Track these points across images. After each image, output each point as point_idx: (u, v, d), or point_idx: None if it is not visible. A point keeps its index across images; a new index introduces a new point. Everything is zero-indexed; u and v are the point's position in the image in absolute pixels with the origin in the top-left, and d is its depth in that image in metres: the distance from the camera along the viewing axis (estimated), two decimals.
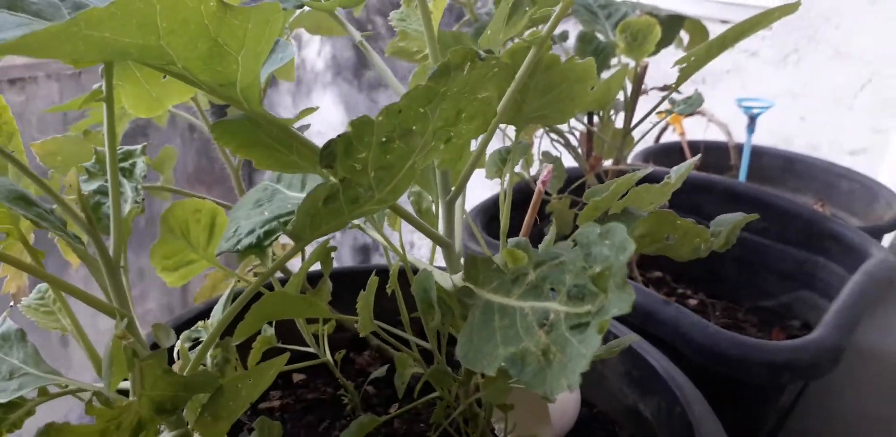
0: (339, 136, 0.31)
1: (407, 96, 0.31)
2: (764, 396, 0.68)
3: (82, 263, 0.36)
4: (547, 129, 0.87)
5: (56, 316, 0.40)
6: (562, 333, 0.29)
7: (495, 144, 0.49)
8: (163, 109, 0.45)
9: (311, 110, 0.36)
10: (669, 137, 1.32)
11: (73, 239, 0.32)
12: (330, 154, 0.32)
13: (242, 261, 0.54)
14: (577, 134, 0.90)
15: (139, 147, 0.44)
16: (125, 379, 0.34)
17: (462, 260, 0.43)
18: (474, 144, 0.41)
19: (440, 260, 0.46)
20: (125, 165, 0.43)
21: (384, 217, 0.48)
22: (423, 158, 0.35)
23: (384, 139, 0.32)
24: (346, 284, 0.53)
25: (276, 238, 0.50)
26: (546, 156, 0.75)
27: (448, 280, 0.43)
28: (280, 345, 0.54)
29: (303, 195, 0.50)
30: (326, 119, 2.38)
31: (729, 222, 0.41)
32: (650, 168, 0.44)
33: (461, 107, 0.34)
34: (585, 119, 0.83)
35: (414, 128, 0.32)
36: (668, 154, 1.25)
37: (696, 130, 1.32)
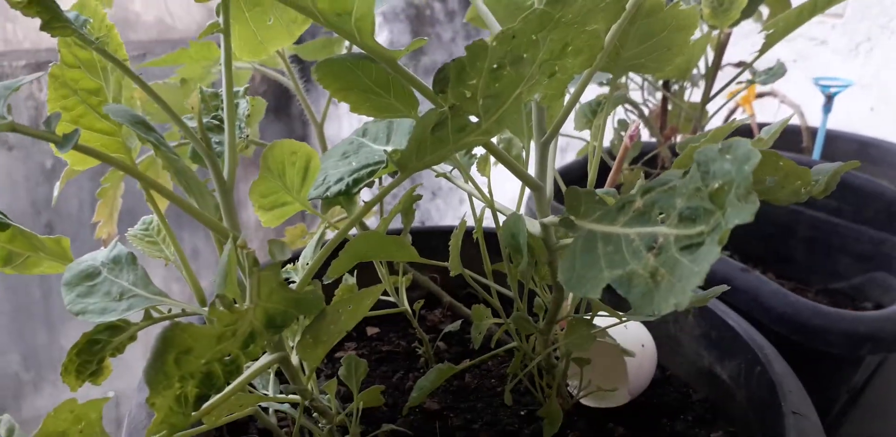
0: (453, 60, 0.32)
1: (522, 20, 0.31)
2: (839, 370, 0.66)
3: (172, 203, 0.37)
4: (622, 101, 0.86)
5: (160, 246, 0.42)
6: (671, 254, 0.29)
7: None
8: (266, 54, 0.46)
9: (422, 41, 0.36)
10: (739, 118, 1.29)
11: (193, 158, 0.33)
12: (443, 79, 0.32)
13: (329, 210, 0.55)
14: (651, 106, 0.89)
15: (242, 89, 0.45)
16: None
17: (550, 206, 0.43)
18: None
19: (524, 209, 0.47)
20: (232, 106, 0.44)
21: (472, 164, 0.48)
22: (528, 89, 0.35)
23: (495, 66, 0.32)
24: (419, 243, 0.54)
25: (364, 187, 0.51)
26: (621, 124, 0.74)
27: (536, 226, 0.43)
28: None
29: (389, 148, 0.51)
30: None
31: (829, 169, 0.40)
32: (747, 120, 0.43)
33: (569, 39, 0.34)
34: (662, 87, 0.82)
35: (525, 55, 0.33)
36: (737, 136, 1.22)
37: (766, 113, 1.29)
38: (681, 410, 0.55)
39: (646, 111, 0.86)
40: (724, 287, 0.45)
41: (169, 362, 0.28)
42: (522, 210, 0.47)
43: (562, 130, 0.57)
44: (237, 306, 0.30)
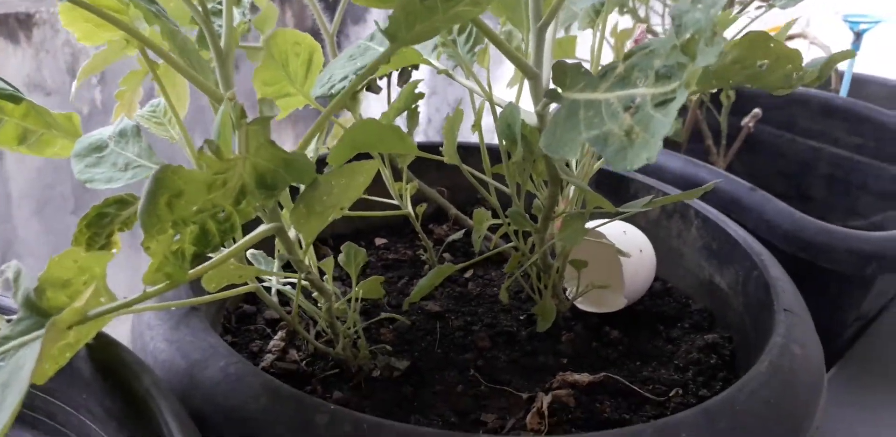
0: None
1: None
2: (848, 293, 0.66)
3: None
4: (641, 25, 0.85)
5: (166, 127, 0.44)
6: (646, 112, 0.29)
7: None
8: None
9: None
10: None
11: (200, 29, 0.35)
12: None
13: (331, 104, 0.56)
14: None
15: None
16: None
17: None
18: None
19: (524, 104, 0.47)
20: None
21: (473, 59, 0.49)
22: None
23: None
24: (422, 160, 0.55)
25: (366, 85, 0.51)
26: (634, 14, 0.73)
27: (534, 117, 0.44)
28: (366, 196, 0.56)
29: None
30: None
31: (823, 60, 0.40)
32: None
33: None
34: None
35: None
36: None
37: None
38: (678, 318, 0.56)
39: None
40: (711, 185, 0.45)
41: (161, 205, 0.30)
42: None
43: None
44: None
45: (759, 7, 0.78)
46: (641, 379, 0.47)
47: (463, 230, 0.62)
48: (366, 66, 0.49)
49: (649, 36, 0.81)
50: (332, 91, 0.48)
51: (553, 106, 0.42)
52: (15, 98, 0.40)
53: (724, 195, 0.65)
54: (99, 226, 0.41)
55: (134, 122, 0.40)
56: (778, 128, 0.96)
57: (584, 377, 0.47)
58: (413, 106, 0.51)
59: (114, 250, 0.39)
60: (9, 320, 0.32)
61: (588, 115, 0.32)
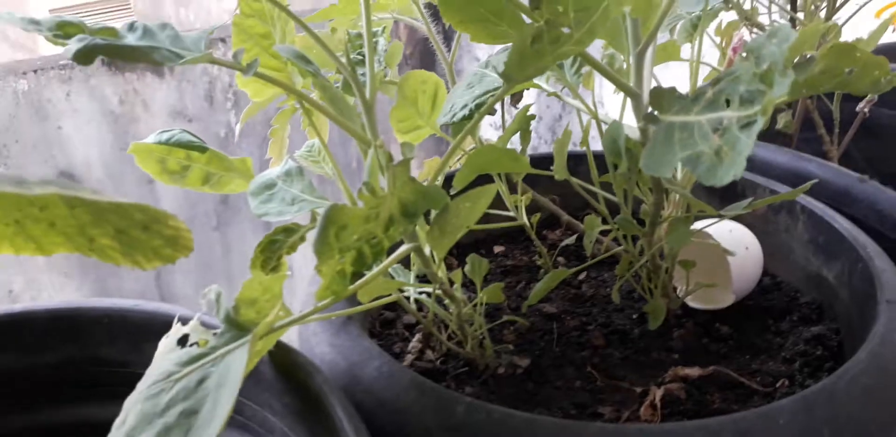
0: None
1: None
2: None
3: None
4: (747, 23, 0.87)
5: (320, 164, 0.51)
6: (733, 133, 0.34)
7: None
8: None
9: None
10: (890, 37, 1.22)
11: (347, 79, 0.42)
12: None
13: (456, 135, 0.63)
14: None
15: (380, 29, 0.53)
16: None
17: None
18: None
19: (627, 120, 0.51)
20: (371, 42, 0.52)
21: (579, 81, 0.54)
22: (616, 2, 0.40)
23: None
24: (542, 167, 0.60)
25: (489, 108, 0.58)
26: (739, 9, 0.75)
27: (636, 132, 0.48)
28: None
29: None
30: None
31: None
32: None
33: None
34: (788, 7, 0.82)
35: None
36: (885, 54, 1.17)
37: None
38: (787, 311, 0.58)
39: None
40: (812, 182, 0.48)
41: (330, 236, 0.37)
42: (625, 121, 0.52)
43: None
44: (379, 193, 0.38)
45: None
46: (750, 372, 0.51)
47: (575, 235, 0.66)
48: (484, 93, 0.56)
49: (752, 35, 0.82)
50: (455, 119, 0.55)
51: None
52: (201, 148, 0.48)
53: (834, 188, 0.66)
54: (271, 251, 0.50)
55: (297, 164, 0.48)
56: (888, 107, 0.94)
57: (694, 371, 0.51)
58: (526, 127, 0.56)
59: (287, 272, 0.46)
60: (214, 334, 0.39)
61: (682, 136, 0.37)
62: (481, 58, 1.80)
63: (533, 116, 0.56)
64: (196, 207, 1.77)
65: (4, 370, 0.50)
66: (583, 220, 0.70)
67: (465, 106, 0.55)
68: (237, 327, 0.39)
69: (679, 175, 0.55)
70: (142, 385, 0.38)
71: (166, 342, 0.41)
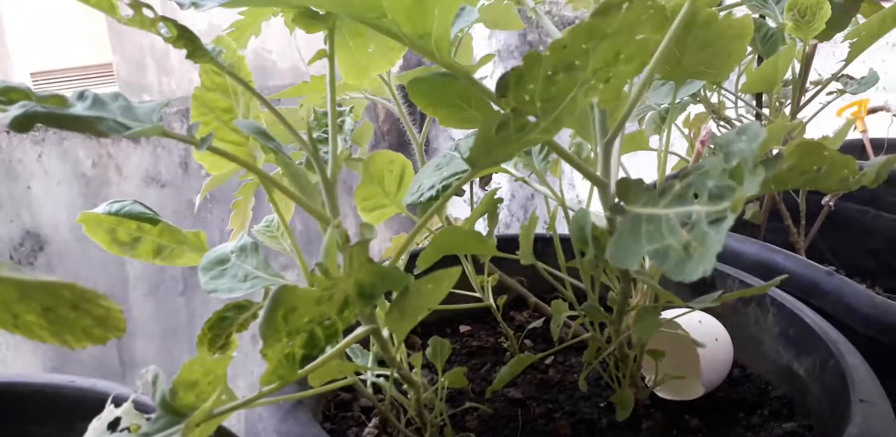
0: (512, 69, 0.37)
1: (570, 32, 0.36)
2: None
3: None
4: (714, 116, 0.89)
5: (278, 240, 0.50)
6: (702, 229, 0.33)
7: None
8: (368, 77, 0.54)
9: (490, 57, 0.42)
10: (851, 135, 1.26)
11: (306, 161, 0.41)
12: (504, 85, 0.38)
13: (423, 215, 0.62)
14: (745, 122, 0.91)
15: (347, 108, 0.52)
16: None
17: None
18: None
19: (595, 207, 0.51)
20: (336, 121, 0.52)
21: (546, 168, 0.53)
22: (583, 93, 0.40)
23: (550, 72, 0.38)
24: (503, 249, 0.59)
25: (455, 190, 0.57)
26: (706, 103, 0.77)
27: (603, 220, 0.48)
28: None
29: None
30: None
31: (881, 161, 0.42)
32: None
33: (619, 48, 0.39)
34: (754, 102, 0.84)
35: (577, 63, 0.38)
36: (848, 152, 1.20)
37: (878, 129, 1.26)
38: (758, 405, 0.56)
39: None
40: (782, 277, 0.47)
41: (278, 318, 0.35)
42: (593, 208, 0.51)
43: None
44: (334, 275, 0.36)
45: (831, 93, 0.80)
46: None
47: (543, 318, 0.65)
48: (452, 175, 0.55)
49: (720, 128, 0.84)
50: (422, 199, 0.54)
51: None
52: (153, 220, 0.47)
53: (802, 280, 0.66)
54: (220, 328, 0.47)
55: (252, 239, 0.46)
56: (861, 204, 0.96)
57: None
58: (493, 210, 0.56)
59: (233, 353, 0.44)
60: (148, 419, 0.37)
61: (649, 228, 0.36)
62: (457, 138, 1.83)
63: (500, 200, 0.55)
64: (163, 271, 1.73)
65: None
66: (551, 302, 0.68)
67: (433, 187, 0.54)
68: (173, 412, 0.36)
69: (647, 264, 0.54)
70: None
71: (96, 425, 0.38)
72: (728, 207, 0.32)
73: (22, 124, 0.30)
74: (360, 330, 0.43)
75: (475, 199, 0.65)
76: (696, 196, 0.35)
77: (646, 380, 0.57)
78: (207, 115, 0.45)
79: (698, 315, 0.57)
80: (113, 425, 0.37)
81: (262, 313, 0.35)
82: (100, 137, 0.36)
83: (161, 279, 1.93)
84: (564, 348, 0.64)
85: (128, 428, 0.36)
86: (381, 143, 1.88)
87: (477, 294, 0.61)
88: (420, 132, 0.65)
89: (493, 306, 0.60)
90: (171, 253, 0.49)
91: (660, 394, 0.57)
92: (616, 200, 0.40)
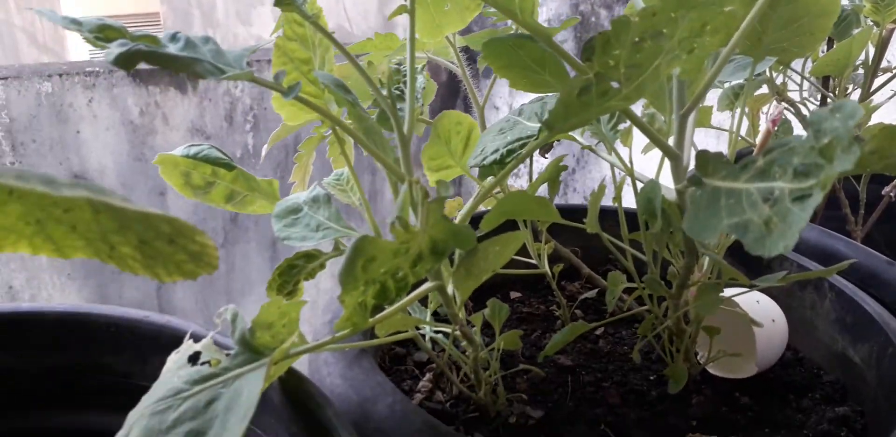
0: (599, 33, 0.37)
1: (661, 0, 0.36)
2: None
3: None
4: (777, 98, 0.87)
5: (348, 194, 0.51)
6: (784, 205, 0.33)
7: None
8: (441, 35, 0.54)
9: (574, 20, 0.42)
10: None
11: (385, 112, 0.41)
12: (590, 48, 0.38)
13: (484, 178, 0.62)
14: (810, 107, 0.89)
15: (420, 66, 0.53)
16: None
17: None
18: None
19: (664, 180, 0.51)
20: (413, 78, 0.52)
21: (615, 136, 0.53)
22: (667, 62, 0.40)
23: (637, 39, 0.38)
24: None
25: (517, 156, 0.57)
26: (771, 84, 0.75)
27: (671, 193, 0.48)
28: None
29: (537, 125, 0.57)
30: None
31: None
32: None
33: (707, 19, 0.39)
34: (821, 85, 0.82)
35: (664, 31, 0.38)
36: None
37: None
38: (809, 388, 0.57)
39: (804, 110, 0.86)
40: (849, 261, 0.47)
41: (357, 267, 0.36)
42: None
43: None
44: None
45: None
46: None
47: (596, 290, 0.65)
48: (516, 139, 0.55)
49: (787, 112, 0.82)
50: (485, 162, 0.55)
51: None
52: (229, 166, 0.48)
53: (861, 269, 0.65)
54: (289, 275, 0.49)
55: (325, 191, 0.47)
56: None
57: None
58: (556, 177, 0.56)
59: (305, 297, 0.46)
60: (227, 354, 0.39)
61: (729, 202, 0.36)
62: (500, 107, 1.81)
63: (565, 167, 0.55)
64: (205, 223, 1.77)
65: (4, 369, 0.49)
66: (603, 275, 0.69)
67: (497, 150, 0.55)
68: (251, 350, 0.38)
69: (713, 241, 0.54)
70: (148, 400, 0.37)
71: (175, 358, 0.40)
72: (815, 184, 0.32)
73: (127, 62, 0.32)
74: (426, 286, 0.44)
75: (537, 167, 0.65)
76: (779, 173, 0.35)
77: (698, 356, 0.57)
78: (287, 64, 0.46)
79: (756, 295, 0.57)
80: (193, 358, 0.39)
81: (341, 261, 0.36)
82: (196, 78, 0.37)
83: (202, 230, 1.96)
84: (615, 321, 0.65)
85: (208, 362, 0.38)
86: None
87: (533, 261, 0.61)
88: (481, 96, 0.66)
89: (549, 273, 0.61)
90: (244, 200, 0.51)
91: (711, 371, 0.57)
92: (692, 172, 0.40)
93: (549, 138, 0.42)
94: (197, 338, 0.41)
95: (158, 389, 0.37)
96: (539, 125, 0.57)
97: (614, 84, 0.39)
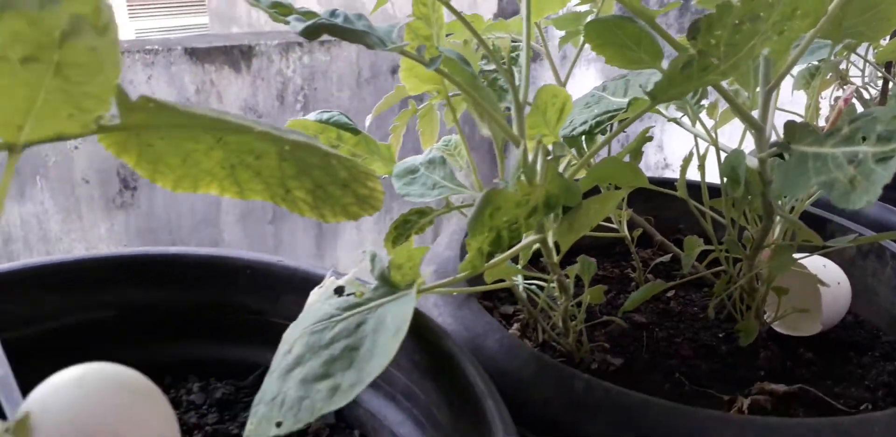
0: (703, 16, 0.42)
1: None
2: None
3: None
4: (840, 81, 0.90)
5: (455, 158, 0.57)
6: (868, 166, 0.38)
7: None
8: (542, 16, 0.59)
9: (676, 4, 0.47)
10: None
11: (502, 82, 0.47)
12: (695, 29, 0.43)
13: (574, 146, 0.68)
14: (872, 92, 0.92)
15: (520, 44, 0.58)
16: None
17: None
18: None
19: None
20: (513, 55, 0.58)
21: (699, 111, 0.58)
22: (760, 43, 0.44)
23: (737, 21, 0.42)
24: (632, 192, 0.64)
25: (604, 128, 0.62)
26: (835, 69, 0.79)
27: (754, 161, 0.53)
28: None
29: (622, 100, 0.62)
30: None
31: None
32: None
33: (798, 4, 0.44)
34: (884, 69, 0.85)
35: (761, 14, 0.42)
36: None
37: None
38: (869, 347, 0.61)
39: (866, 94, 0.90)
40: None
41: (485, 215, 0.42)
42: None
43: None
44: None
45: None
46: (833, 395, 0.54)
47: (669, 255, 0.70)
48: (603, 112, 0.61)
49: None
50: (574, 133, 0.60)
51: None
52: (355, 130, 0.54)
53: None
54: (403, 229, 0.55)
55: (440, 154, 0.53)
56: None
57: (780, 387, 0.54)
58: (639, 147, 0.61)
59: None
60: (369, 288, 0.45)
61: (816, 164, 0.41)
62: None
63: (651, 138, 0.61)
64: (254, 201, 1.83)
65: (154, 303, 0.56)
66: (674, 242, 0.74)
67: (585, 122, 0.60)
68: (389, 284, 0.44)
69: (788, 206, 0.58)
70: (303, 324, 0.43)
71: (319, 292, 0.47)
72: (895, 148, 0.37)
73: (313, 33, 0.38)
74: (530, 238, 0.50)
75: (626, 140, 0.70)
76: (863, 139, 0.40)
77: (765, 315, 0.62)
78: (414, 41, 0.52)
79: (823, 260, 0.62)
80: (338, 291, 0.45)
81: (471, 210, 0.42)
82: (369, 48, 0.43)
83: (252, 207, 2.05)
84: (684, 285, 0.70)
85: (353, 294, 0.45)
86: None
87: (613, 225, 0.67)
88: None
89: (628, 237, 0.66)
90: (363, 162, 0.57)
91: (777, 329, 0.62)
92: (774, 142, 0.45)
93: (652, 107, 0.47)
94: (338, 276, 0.47)
95: (311, 314, 0.44)
96: (623, 100, 0.62)
97: (714, 61, 0.44)
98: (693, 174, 0.61)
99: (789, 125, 0.44)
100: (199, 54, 1.83)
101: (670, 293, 0.70)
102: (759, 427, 0.41)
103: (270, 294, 0.55)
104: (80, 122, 0.29)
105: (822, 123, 0.88)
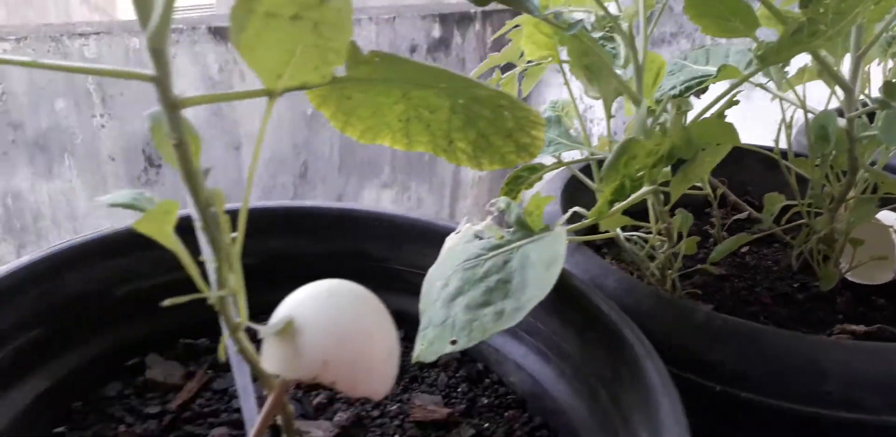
0: None
1: None
2: None
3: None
4: None
5: (562, 117, 0.62)
6: None
7: None
8: None
9: None
10: None
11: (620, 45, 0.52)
12: None
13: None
14: None
15: (622, 14, 0.63)
16: None
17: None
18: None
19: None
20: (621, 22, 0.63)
21: (783, 76, 0.63)
22: (862, 12, 0.49)
23: None
24: None
25: (693, 92, 0.67)
26: None
27: (841, 121, 0.58)
28: None
29: (706, 68, 0.67)
30: None
31: None
32: None
33: None
34: None
35: None
36: None
37: None
38: None
39: None
40: None
41: (620, 163, 0.47)
42: None
43: None
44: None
45: None
46: None
47: (746, 212, 0.76)
48: (689, 79, 0.65)
49: None
50: (662, 97, 0.65)
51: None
52: None
53: None
54: (515, 184, 0.61)
55: (555, 114, 0.59)
56: None
57: (860, 328, 0.60)
58: (722, 112, 0.66)
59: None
60: (507, 231, 0.50)
61: None
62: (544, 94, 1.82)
63: (737, 102, 0.65)
64: (276, 178, 1.84)
65: (290, 252, 0.62)
66: (746, 202, 0.79)
67: (674, 87, 0.65)
68: (525, 228, 0.50)
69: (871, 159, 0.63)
70: (452, 262, 0.49)
71: (455, 238, 0.52)
72: None
73: (484, 1, 0.43)
74: (646, 188, 0.55)
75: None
76: None
77: (839, 266, 0.67)
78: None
79: (894, 214, 0.67)
80: (478, 235, 0.51)
81: (608, 158, 0.47)
82: (529, 14, 0.48)
83: (274, 185, 2.09)
84: (756, 241, 0.76)
85: (492, 237, 0.50)
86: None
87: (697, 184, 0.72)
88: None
89: (711, 194, 0.71)
90: None
91: (850, 278, 0.67)
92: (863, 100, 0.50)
93: (760, 69, 0.52)
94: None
95: (457, 254, 0.49)
96: (707, 67, 0.67)
97: (822, 27, 0.49)
98: (758, 139, 0.67)
99: (887, 84, 0.49)
100: (222, 33, 1.86)
101: (745, 249, 0.75)
102: (869, 350, 0.46)
103: (394, 243, 0.61)
104: (321, 73, 0.35)
105: None
